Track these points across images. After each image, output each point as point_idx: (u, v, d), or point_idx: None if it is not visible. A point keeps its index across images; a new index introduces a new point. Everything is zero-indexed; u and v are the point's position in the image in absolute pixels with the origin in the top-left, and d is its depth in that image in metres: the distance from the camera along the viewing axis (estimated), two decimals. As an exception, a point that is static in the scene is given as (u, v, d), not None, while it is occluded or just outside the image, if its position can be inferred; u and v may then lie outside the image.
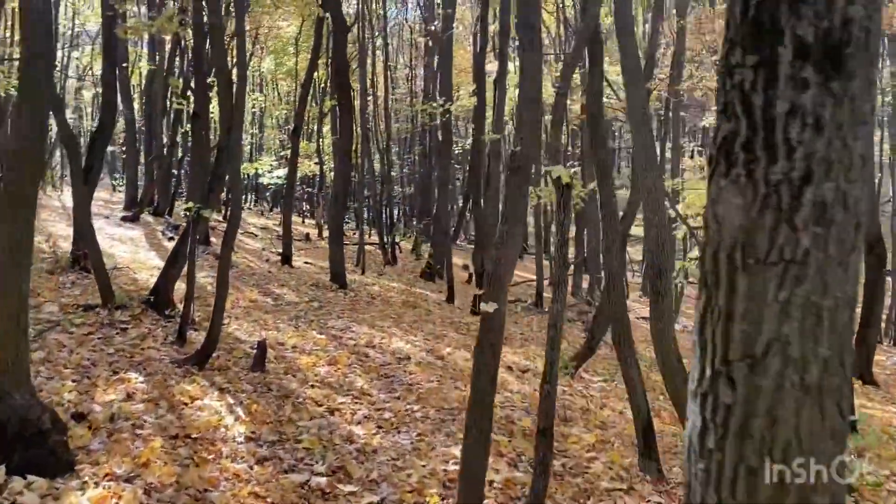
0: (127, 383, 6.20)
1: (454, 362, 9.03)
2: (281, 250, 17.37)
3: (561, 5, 26.63)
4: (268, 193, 38.52)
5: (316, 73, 33.73)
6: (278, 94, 40.56)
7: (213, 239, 17.15)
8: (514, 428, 6.79)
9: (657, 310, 6.82)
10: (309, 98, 31.58)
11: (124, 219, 21.13)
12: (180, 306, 8.74)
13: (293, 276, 15.11)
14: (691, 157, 26.90)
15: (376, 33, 31.76)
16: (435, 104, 15.92)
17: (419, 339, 10.34)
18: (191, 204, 8.13)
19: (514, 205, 5.08)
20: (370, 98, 30.06)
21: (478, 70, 16.11)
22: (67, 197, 22.01)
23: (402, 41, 47.02)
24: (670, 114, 21.40)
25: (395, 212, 31.86)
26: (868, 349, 12.98)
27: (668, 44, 21.93)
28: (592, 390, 9.38)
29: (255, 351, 7.67)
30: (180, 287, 9.18)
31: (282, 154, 38.03)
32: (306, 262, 18.29)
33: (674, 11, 21.03)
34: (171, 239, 18.00)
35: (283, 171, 33.61)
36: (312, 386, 7.23)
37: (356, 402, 6.88)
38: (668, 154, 21.92)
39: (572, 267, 21.52)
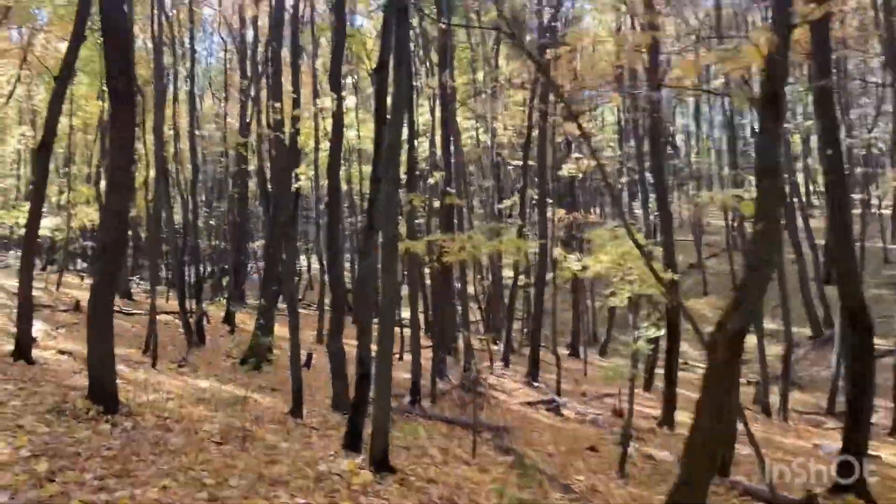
0: None
1: None
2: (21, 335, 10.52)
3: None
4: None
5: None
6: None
7: None
8: None
9: None
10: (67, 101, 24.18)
11: None
12: None
13: (26, 385, 8.48)
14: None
15: (179, 59, 25.28)
16: (276, 116, 9.99)
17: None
18: None
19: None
20: (171, 132, 23.44)
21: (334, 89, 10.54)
22: None
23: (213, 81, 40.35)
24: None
25: (202, 270, 24.98)
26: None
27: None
28: None
29: None
30: None
31: (57, 201, 29.68)
32: (62, 352, 11.48)
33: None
34: None
35: (55, 220, 25.73)
36: None
37: None
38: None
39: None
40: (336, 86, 9.87)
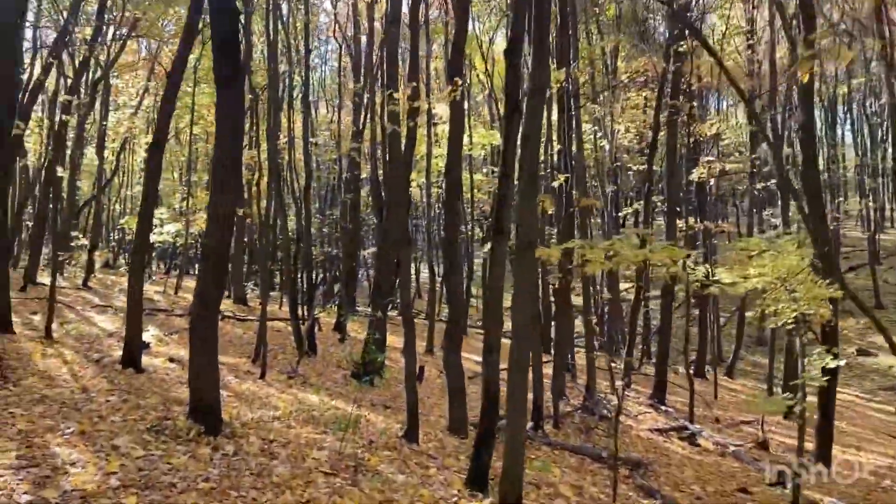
0: None
1: None
2: (139, 339, 10.16)
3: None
4: (154, 253, 30.64)
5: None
6: (176, 135, 33.03)
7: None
8: None
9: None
10: (188, 110, 24.47)
11: None
12: None
13: (130, 397, 7.93)
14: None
15: (294, 67, 25.24)
16: (395, 105, 9.03)
17: None
18: None
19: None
20: (285, 140, 23.36)
21: (453, 69, 9.60)
22: None
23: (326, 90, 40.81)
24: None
25: (314, 277, 24.74)
26: None
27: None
28: None
29: None
30: None
31: (177, 208, 30.44)
32: (172, 359, 11.04)
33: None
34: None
35: (176, 226, 26.20)
36: None
37: None
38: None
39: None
40: (457, 66, 8.89)
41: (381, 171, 20.78)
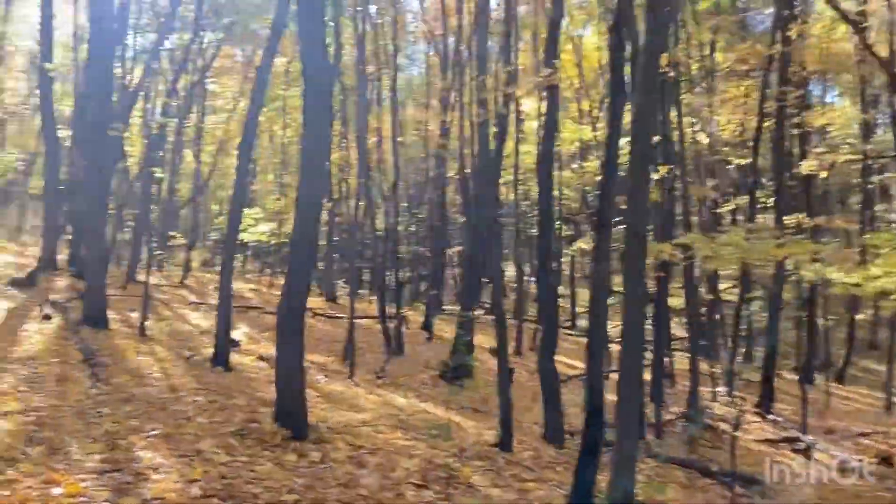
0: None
1: None
2: (230, 337, 10.09)
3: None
4: (248, 252, 31.18)
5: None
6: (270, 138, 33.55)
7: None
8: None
9: None
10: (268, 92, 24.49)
11: (14, 282, 13.99)
12: None
13: (216, 397, 7.70)
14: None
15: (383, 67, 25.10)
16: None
17: None
18: None
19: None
20: (374, 140, 23.24)
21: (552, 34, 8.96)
22: None
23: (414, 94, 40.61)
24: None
25: (402, 276, 24.52)
26: None
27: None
28: None
29: None
30: None
31: (273, 208, 30.90)
32: (261, 358, 10.91)
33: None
34: (46, 318, 10.76)
35: (270, 225, 26.49)
36: None
37: None
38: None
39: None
40: (553, 47, 8.25)
41: (467, 169, 20.33)
